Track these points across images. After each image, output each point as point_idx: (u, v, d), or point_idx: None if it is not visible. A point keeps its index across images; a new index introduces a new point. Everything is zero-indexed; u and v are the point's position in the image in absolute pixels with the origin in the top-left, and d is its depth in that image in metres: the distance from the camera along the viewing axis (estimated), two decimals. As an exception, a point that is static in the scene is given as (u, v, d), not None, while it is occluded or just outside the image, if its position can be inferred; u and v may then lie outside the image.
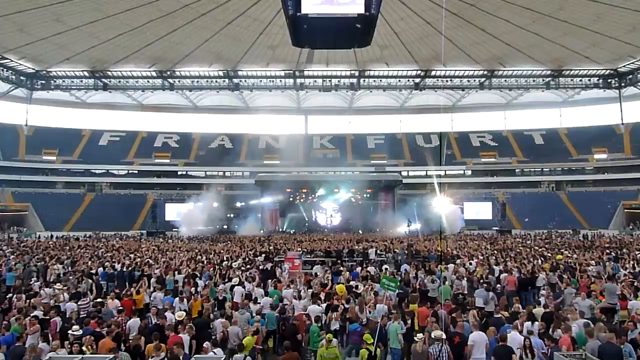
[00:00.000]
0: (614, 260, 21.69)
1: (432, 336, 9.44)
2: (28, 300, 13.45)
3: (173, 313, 11.59)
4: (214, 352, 8.64)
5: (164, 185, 65.23)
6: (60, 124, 68.51)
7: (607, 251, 26.30)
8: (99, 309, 12.03)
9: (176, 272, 18.52)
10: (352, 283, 16.53)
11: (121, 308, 12.09)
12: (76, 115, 70.36)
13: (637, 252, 25.62)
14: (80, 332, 9.62)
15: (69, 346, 9.15)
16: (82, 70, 56.49)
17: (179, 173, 67.57)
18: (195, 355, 7.36)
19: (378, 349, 9.23)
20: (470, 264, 21.31)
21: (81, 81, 59.44)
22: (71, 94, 65.67)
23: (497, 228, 50.12)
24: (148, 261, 22.68)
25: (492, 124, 71.91)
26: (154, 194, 62.19)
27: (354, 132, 73.24)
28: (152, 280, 16.93)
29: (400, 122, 74.13)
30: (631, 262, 21.01)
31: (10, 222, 54.24)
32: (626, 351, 8.51)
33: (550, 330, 10.09)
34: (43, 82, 58.69)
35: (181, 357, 8.25)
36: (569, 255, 24.63)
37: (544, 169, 65.47)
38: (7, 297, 14.11)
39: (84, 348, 9.03)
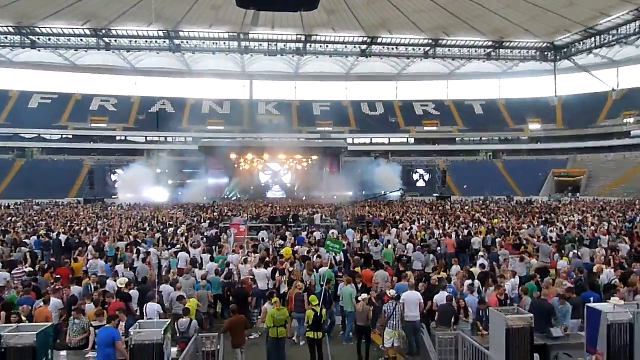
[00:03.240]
0: (543, 224, 23.13)
1: (388, 294, 9.73)
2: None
3: (115, 280, 11.28)
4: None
5: (102, 150, 62.35)
6: (-17, 83, 63.51)
7: (538, 216, 28.00)
8: (34, 278, 11.51)
9: (116, 239, 17.98)
10: (296, 247, 16.73)
11: (58, 276, 11.62)
12: (2, 74, 65.27)
13: (563, 217, 27.49)
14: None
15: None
16: (6, 26, 52.11)
17: (118, 138, 64.72)
18: (139, 320, 7.25)
19: (323, 310, 9.44)
20: (412, 228, 22.07)
21: (6, 37, 54.96)
22: (-5, 51, 60.72)
23: (437, 194, 51.96)
24: (86, 229, 21.84)
25: (435, 93, 73.53)
26: (90, 160, 59.33)
27: (299, 98, 72.70)
28: (90, 247, 16.33)
29: (346, 90, 74.26)
30: (558, 225, 22.48)
31: None
32: (563, 310, 9.11)
33: (483, 288, 10.73)
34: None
35: (123, 323, 8.10)
36: (503, 219, 26.04)
37: (483, 138, 68.11)
38: None
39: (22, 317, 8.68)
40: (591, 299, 8.68)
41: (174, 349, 7.92)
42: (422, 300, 9.81)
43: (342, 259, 14.80)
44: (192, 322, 8.68)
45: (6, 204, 40.55)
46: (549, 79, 68.73)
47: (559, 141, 64.25)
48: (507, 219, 26.12)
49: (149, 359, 6.41)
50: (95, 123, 64.44)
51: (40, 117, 61.27)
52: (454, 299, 9.60)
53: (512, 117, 68.39)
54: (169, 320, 7.51)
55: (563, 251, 15.19)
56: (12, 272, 12.34)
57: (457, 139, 68.24)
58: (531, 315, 7.83)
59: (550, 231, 20.39)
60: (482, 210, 32.57)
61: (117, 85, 69.58)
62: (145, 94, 69.57)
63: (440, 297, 9.83)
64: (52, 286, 10.65)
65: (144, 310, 9.30)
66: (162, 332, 6.60)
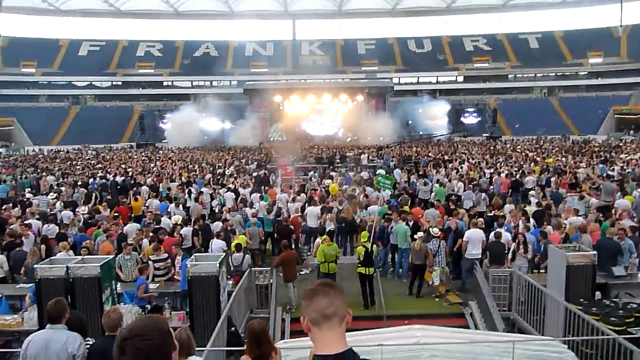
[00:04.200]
0: (602, 163, 21.98)
1: (431, 233, 9.65)
2: (22, 210, 13.45)
3: (169, 218, 11.67)
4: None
5: (150, 96, 63.40)
6: (36, 34, 64.91)
7: (596, 155, 26.62)
8: (93, 215, 12.08)
9: (169, 180, 18.54)
10: (344, 187, 16.73)
11: (117, 214, 12.13)
12: (51, 23, 66.53)
13: (624, 156, 26.00)
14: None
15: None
16: (52, -27, 52.51)
17: (165, 83, 65.53)
18: (196, 254, 7.49)
19: (374, 246, 9.44)
20: (462, 167, 21.54)
21: (53, -16, 55.45)
22: (43, 0, 61.55)
23: (487, 134, 50.21)
24: (141, 171, 22.61)
25: (486, 27, 69.31)
26: (140, 106, 60.64)
27: (343, 37, 70.45)
28: (144, 188, 16.93)
29: (392, 26, 71.22)
30: (619, 165, 21.31)
31: (-3, 137, 53.25)
32: (625, 247, 8.71)
33: (542, 227, 10.36)
34: (12, -14, 54.74)
35: (179, 257, 8.38)
36: (558, 159, 24.95)
37: (537, 74, 64.29)
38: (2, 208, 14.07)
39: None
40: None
41: (230, 282, 8.18)
42: (484, 239, 9.64)
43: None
44: (245, 256, 8.91)
45: (65, 150, 42.49)
46: (614, 7, 63.03)
47: (622, 76, 59.71)
48: (562, 158, 24.99)
49: (206, 289, 6.63)
50: (142, 69, 65.28)
51: (90, 64, 62.60)
52: (511, 236, 9.36)
53: (570, 50, 63.85)
54: (224, 254, 7.70)
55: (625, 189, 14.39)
56: (76, 210, 13.02)
57: (509, 75, 64.75)
58: (594, 252, 7.52)
59: (611, 170, 19.39)
60: (536, 150, 31.28)
61: (162, 30, 69.58)
62: (189, 38, 69.39)
63: (492, 235, 9.61)
64: (111, 223, 11.13)
65: (209, 247, 9.68)
66: (218, 265, 6.78)
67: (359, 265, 9.29)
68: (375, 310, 8.81)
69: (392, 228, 11.00)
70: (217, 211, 13.40)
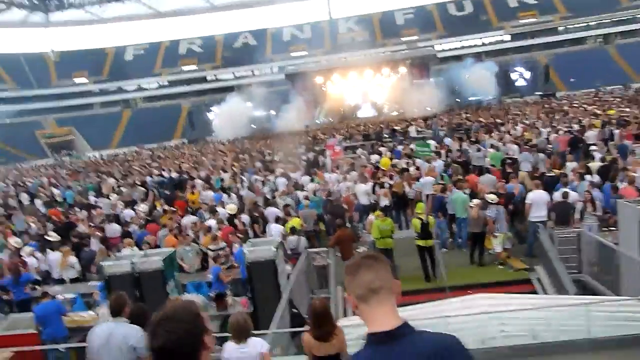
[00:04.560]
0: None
1: (488, 200, 9.33)
2: (88, 213, 14.16)
3: (224, 207, 11.90)
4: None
5: (196, 92, 64.91)
6: (83, 45, 67.96)
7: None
8: (150, 213, 12.53)
9: (222, 172, 18.93)
10: (395, 161, 16.45)
11: (174, 209, 12.51)
12: (96, 33, 69.36)
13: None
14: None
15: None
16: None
17: (208, 78, 66.79)
18: (251, 240, 7.59)
19: (430, 217, 9.24)
20: (515, 129, 20.66)
21: (93, -6, 57.50)
22: (86, 10, 63.94)
23: (540, 93, 47.83)
24: (193, 165, 23.23)
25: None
26: (187, 102, 62.28)
27: (380, 10, 68.82)
28: (199, 181, 17.36)
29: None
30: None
31: (59, 147, 56.34)
32: None
33: (609, 182, 9.77)
34: (56, 2, 57.16)
35: (237, 245, 8.53)
36: (622, 109, 23.42)
37: (590, 24, 60.23)
38: (71, 213, 14.87)
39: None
40: None
41: (288, 266, 8.26)
42: (549, 200, 9.22)
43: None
44: (301, 239, 8.95)
45: (123, 152, 44.39)
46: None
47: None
48: (626, 109, 23.42)
49: (265, 273, 6.71)
50: (185, 66, 66.79)
51: (137, 68, 64.86)
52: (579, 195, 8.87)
53: (625, -8, 59.37)
54: (279, 239, 7.76)
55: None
56: (135, 208, 13.57)
57: (559, 28, 61.08)
58: (670, 204, 6.97)
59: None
60: (595, 103, 29.48)
61: (200, 26, 70.83)
62: (227, 30, 70.16)
63: (556, 195, 9.15)
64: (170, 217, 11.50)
65: (268, 231, 9.84)
66: (275, 249, 6.84)
67: (417, 238, 9.13)
68: (437, 283, 8.65)
69: (448, 198, 10.72)
70: (269, 197, 13.54)
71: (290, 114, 46.95)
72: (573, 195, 8.92)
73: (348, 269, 1.82)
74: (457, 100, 45.00)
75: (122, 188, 18.50)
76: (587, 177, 10.03)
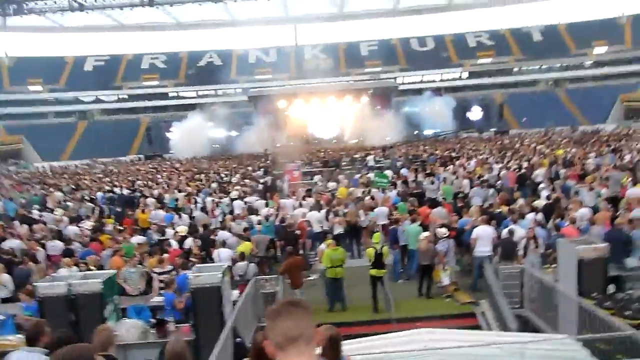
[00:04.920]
0: (612, 152, 21.62)
1: (438, 234, 9.51)
2: (29, 227, 13.46)
3: (173, 229, 11.61)
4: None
5: (156, 108, 63.83)
6: (41, 52, 65.93)
7: (606, 144, 26.21)
8: (100, 229, 12.06)
9: (176, 191, 18.53)
10: (351, 189, 16.59)
11: (121, 228, 12.10)
12: (56, 41, 67.76)
13: (635, 143, 25.58)
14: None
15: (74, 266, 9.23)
16: (54, -11, 53.11)
17: (170, 94, 65.95)
18: (198, 265, 7.40)
19: (385, 247, 9.31)
20: (469, 164, 21.31)
21: (54, 2, 55.98)
22: (47, 17, 62.15)
23: (494, 129, 49.77)
24: (147, 183, 22.65)
25: (489, 22, 68.99)
26: (147, 118, 61.08)
27: (346, 40, 70.40)
28: (151, 200, 16.92)
29: (394, 26, 71.13)
30: (630, 153, 20.93)
31: (6, 156, 53.76)
32: (636, 237, 8.48)
33: (552, 220, 10.14)
34: (15, 6, 55.36)
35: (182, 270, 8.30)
36: (568, 150, 24.59)
37: (542, 67, 63.75)
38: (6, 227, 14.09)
39: (91, 267, 9.16)
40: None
41: (235, 292, 8.08)
42: (495, 236, 9.47)
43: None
44: (250, 265, 8.80)
45: (74, 165, 42.83)
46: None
47: (628, 64, 59.02)
48: (572, 150, 24.64)
49: (209, 300, 6.53)
50: (147, 81, 65.75)
51: (96, 79, 63.24)
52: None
53: (574, 41, 63.15)
54: (227, 264, 7.60)
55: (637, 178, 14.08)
56: (79, 225, 13.02)
57: (514, 69, 64.28)
58: (605, 245, 7.30)
59: (620, 159, 19.04)
60: (544, 142, 30.89)
61: (165, 41, 70.34)
62: (193, 48, 69.86)
63: (503, 232, 9.43)
64: (119, 237, 11.10)
65: (216, 256, 9.58)
66: (221, 275, 6.68)
67: (370, 267, 9.18)
68: (385, 314, 8.65)
69: (403, 230, 10.87)
70: (221, 220, 13.33)
71: (252, 136, 46.81)
72: (518, 232, 9.20)
73: (268, 314, 1.78)
74: (415, 132, 46.14)
75: (68, 202, 17.76)
76: (531, 214, 10.39)
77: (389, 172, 19.54)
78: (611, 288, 7.29)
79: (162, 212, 14.01)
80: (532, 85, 63.30)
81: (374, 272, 9.08)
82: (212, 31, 70.69)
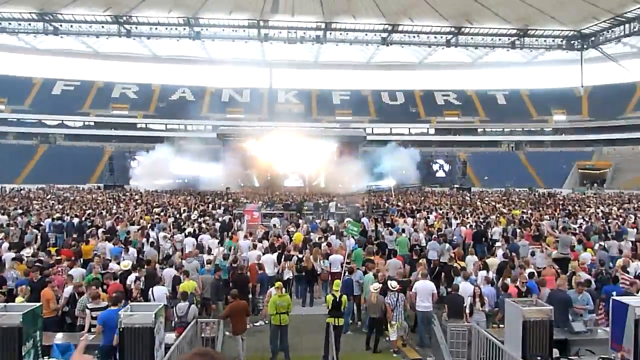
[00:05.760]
0: (566, 216, 22.28)
1: (389, 287, 9.34)
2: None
3: (118, 263, 11.06)
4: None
5: (122, 137, 62.64)
6: (9, 71, 64.54)
7: (561, 208, 27.06)
8: (39, 260, 11.37)
9: (129, 224, 17.88)
10: (310, 235, 16.37)
11: (59, 258, 11.45)
12: (26, 62, 66.30)
13: (588, 209, 26.52)
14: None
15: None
16: (29, 12, 52.58)
17: (138, 125, 65.16)
18: (131, 303, 6.96)
19: (344, 296, 9.06)
20: (429, 218, 21.50)
21: (29, 24, 55.41)
22: (19, 38, 61.36)
23: (457, 185, 50.96)
24: (101, 212, 21.84)
25: (457, 83, 71.90)
26: (111, 147, 59.86)
27: (319, 87, 71.92)
28: (100, 231, 16.24)
29: (367, 79, 73.21)
30: (581, 218, 21.61)
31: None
32: (584, 300, 8.56)
33: (500, 280, 10.17)
34: (-14, 25, 54.49)
35: (121, 304, 7.80)
36: (524, 211, 25.23)
37: (505, 129, 66.48)
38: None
39: (19, 297, 8.54)
40: (614, 293, 8.09)
41: (172, 335, 7.62)
42: (435, 291, 9.37)
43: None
44: (191, 307, 8.37)
45: (27, 189, 41.15)
46: (576, 68, 66.39)
47: (585, 133, 62.25)
48: (528, 211, 25.30)
49: (140, 342, 6.09)
50: (116, 110, 64.90)
51: (63, 104, 62.09)
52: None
53: (536, 107, 66.48)
54: (162, 304, 7.18)
55: (586, 243, 14.45)
56: (21, 252, 12.27)
57: (478, 129, 66.77)
58: (551, 308, 7.29)
59: (573, 223, 19.61)
60: (503, 202, 31.69)
61: (139, 73, 69.91)
62: (166, 82, 69.79)
63: (463, 287, 9.35)
64: (54, 268, 10.47)
65: (150, 294, 9.07)
66: (154, 315, 6.28)
67: (328, 315, 8.86)
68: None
69: (361, 279, 10.66)
70: (167, 256, 12.82)
71: (217, 174, 46.41)
72: (468, 289, 9.14)
73: None
74: (375, 183, 46.55)
75: (11, 227, 16.84)
76: (482, 272, 10.40)
77: (364, 220, 19.43)
78: (555, 352, 7.23)
79: (109, 245, 13.40)
80: (495, 146, 65.65)
81: (331, 320, 8.76)
82: (186, 67, 71.06)
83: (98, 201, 29.66)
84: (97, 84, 68.07)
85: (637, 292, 8.34)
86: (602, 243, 14.06)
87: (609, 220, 20.04)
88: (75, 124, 64.23)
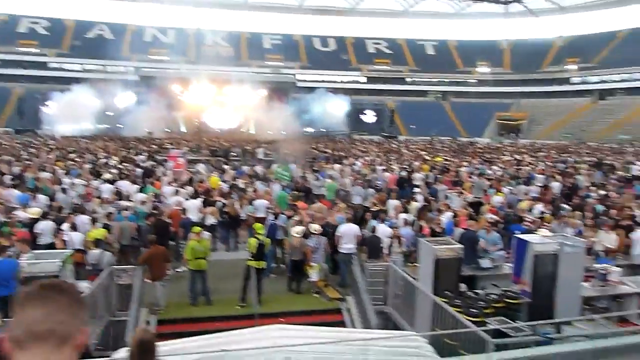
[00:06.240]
0: (483, 163, 23.54)
1: (311, 230, 9.47)
2: None
3: (25, 211, 10.35)
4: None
5: (33, 78, 57.37)
6: None
7: (479, 155, 28.52)
8: None
9: (39, 170, 16.68)
10: (237, 181, 16.15)
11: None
12: None
13: (502, 157, 28.17)
14: None
15: None
16: None
17: (50, 65, 59.85)
18: (35, 251, 6.55)
19: (267, 239, 9.07)
20: (355, 164, 21.88)
21: None
22: None
23: (385, 134, 52.09)
24: (6, 158, 20.18)
25: (388, 31, 71.88)
26: (21, 88, 54.80)
27: (250, 30, 69.23)
28: (8, 177, 15.05)
29: (298, 23, 71.35)
30: (498, 165, 22.92)
31: None
32: (492, 239, 9.15)
33: (416, 220, 10.64)
34: None
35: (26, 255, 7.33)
36: (447, 158, 26.34)
37: (432, 79, 68.06)
38: None
39: None
40: (517, 232, 8.71)
41: (84, 283, 7.31)
42: (359, 234, 9.62)
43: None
44: (105, 253, 8.05)
45: None
46: (500, 21, 68.58)
47: (505, 85, 65.23)
48: (449, 158, 26.43)
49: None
50: (24, 47, 59.02)
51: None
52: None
53: (462, 59, 68.40)
54: (70, 251, 6.82)
55: (497, 187, 15.37)
56: None
57: (407, 79, 67.86)
58: (461, 246, 7.73)
59: (489, 169, 20.75)
60: (428, 150, 32.87)
61: (49, 5, 63.48)
62: (81, 17, 64.08)
63: (369, 230, 9.67)
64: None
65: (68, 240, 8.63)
66: (61, 263, 5.94)
67: (250, 258, 8.84)
68: (250, 309, 8.39)
69: (284, 223, 10.71)
70: (79, 203, 12.13)
71: (141, 119, 44.16)
72: (386, 231, 9.47)
73: (16, 298, 1.31)
74: (307, 129, 46.57)
75: None
76: (403, 215, 10.80)
77: (293, 166, 19.29)
78: (463, 286, 7.73)
79: (15, 192, 12.45)
80: (422, 96, 67.20)
81: (253, 263, 8.77)
82: (104, 1, 65.49)
83: (4, 146, 27.36)
84: (0, 17, 61.26)
85: (537, 231, 9.00)
86: (512, 188, 15.02)
87: (520, 167, 21.40)
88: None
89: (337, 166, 20.41)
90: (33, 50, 59.31)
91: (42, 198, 11.93)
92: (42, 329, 1.24)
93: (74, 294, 1.37)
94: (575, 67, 60.73)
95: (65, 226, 9.48)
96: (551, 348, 5.72)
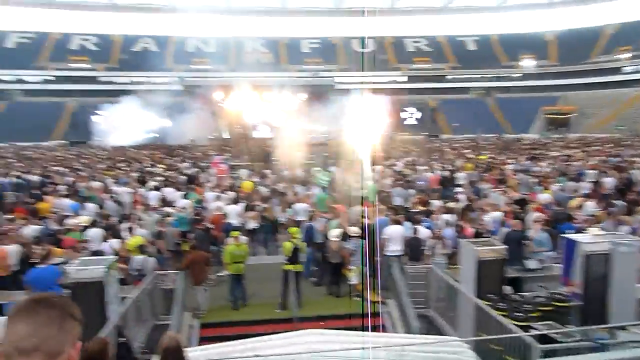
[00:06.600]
0: (530, 160, 22.70)
1: (350, 233, 9.40)
2: None
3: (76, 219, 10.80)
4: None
5: (84, 92, 60.16)
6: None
7: (527, 152, 27.57)
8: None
9: (91, 179, 17.42)
10: (278, 185, 16.27)
11: (12, 217, 11.09)
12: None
13: (550, 152, 27.10)
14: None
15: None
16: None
17: (101, 79, 62.51)
18: (82, 258, 6.81)
19: (302, 243, 9.09)
20: (396, 165, 21.63)
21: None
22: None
23: (427, 133, 51.25)
24: (60, 169, 21.18)
25: (427, 29, 70.76)
26: (73, 102, 57.56)
27: (288, 35, 69.89)
28: (63, 187, 15.79)
29: (336, 25, 71.34)
30: (545, 162, 22.05)
31: None
32: (540, 239, 8.78)
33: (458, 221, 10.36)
34: None
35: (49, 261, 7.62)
36: (491, 156, 25.62)
37: (474, 76, 66.39)
38: None
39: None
40: (567, 231, 8.32)
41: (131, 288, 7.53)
42: (405, 235, 9.47)
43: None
44: (149, 259, 8.27)
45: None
46: (545, 12, 66.14)
47: (552, 78, 62.77)
48: (494, 156, 25.69)
49: (91, 297, 5.98)
50: (76, 63, 61.93)
51: (19, 57, 58.82)
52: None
53: (505, 53, 66.41)
54: (115, 257, 7.05)
55: (545, 184, 14.78)
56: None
57: (448, 76, 66.52)
58: (504, 247, 7.45)
59: (537, 166, 20.00)
60: (471, 148, 32.08)
61: (97, 22, 66.28)
62: (127, 32, 66.62)
63: (411, 232, 9.48)
64: (7, 227, 10.15)
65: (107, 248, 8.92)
66: (106, 269, 6.14)
67: (286, 262, 8.89)
68: (289, 313, 8.41)
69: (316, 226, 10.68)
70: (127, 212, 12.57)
71: (185, 127, 45.37)
72: (426, 232, 9.27)
73: (8, 312, 1.33)
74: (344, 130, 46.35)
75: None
76: (445, 215, 10.55)
77: (333, 169, 19.26)
78: (507, 289, 7.44)
79: (67, 201, 13.03)
80: (465, 93, 65.68)
81: (289, 266, 8.81)
82: (149, 15, 67.72)
83: (59, 157, 28.75)
84: (53, 36, 64.55)
85: (588, 230, 8.57)
86: (561, 185, 14.40)
87: (570, 163, 20.51)
88: (33, 79, 61.18)
89: (377, 167, 20.22)
90: (84, 65, 62.16)
91: (91, 206, 12.42)
92: (27, 345, 1.25)
93: (65, 308, 1.36)
94: (627, 55, 57.70)
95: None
96: (605, 355, 5.40)
